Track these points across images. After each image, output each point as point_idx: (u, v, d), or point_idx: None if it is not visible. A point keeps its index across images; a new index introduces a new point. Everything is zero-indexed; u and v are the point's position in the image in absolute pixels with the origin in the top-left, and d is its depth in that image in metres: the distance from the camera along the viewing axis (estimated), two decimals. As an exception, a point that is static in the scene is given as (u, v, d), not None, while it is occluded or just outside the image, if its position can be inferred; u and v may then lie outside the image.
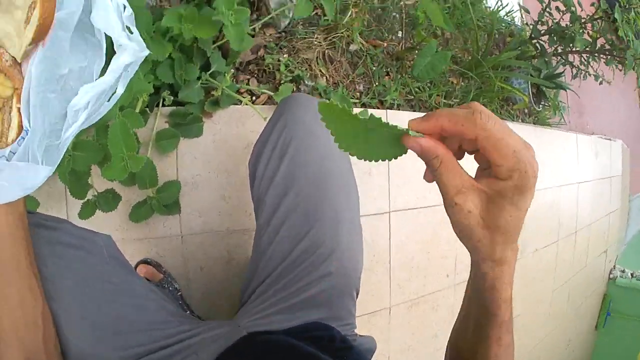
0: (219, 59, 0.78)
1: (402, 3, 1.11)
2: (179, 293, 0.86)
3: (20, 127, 0.36)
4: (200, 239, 0.86)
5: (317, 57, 0.94)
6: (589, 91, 2.12)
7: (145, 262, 0.85)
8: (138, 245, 0.84)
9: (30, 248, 0.39)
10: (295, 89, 0.90)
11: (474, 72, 1.19)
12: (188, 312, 0.87)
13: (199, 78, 0.76)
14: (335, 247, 0.52)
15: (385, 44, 1.05)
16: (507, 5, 1.45)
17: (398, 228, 1.03)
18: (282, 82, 0.89)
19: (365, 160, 0.29)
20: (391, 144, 0.28)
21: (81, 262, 0.45)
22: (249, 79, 0.90)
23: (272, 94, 0.84)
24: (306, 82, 0.91)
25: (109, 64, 0.38)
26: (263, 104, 0.88)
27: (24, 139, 0.36)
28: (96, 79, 0.38)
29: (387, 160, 0.29)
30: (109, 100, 0.40)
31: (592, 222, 2.13)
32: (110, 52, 0.39)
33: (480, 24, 1.31)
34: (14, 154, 0.36)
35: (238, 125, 0.87)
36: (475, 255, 0.30)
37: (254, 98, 0.89)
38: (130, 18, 0.39)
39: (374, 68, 1.00)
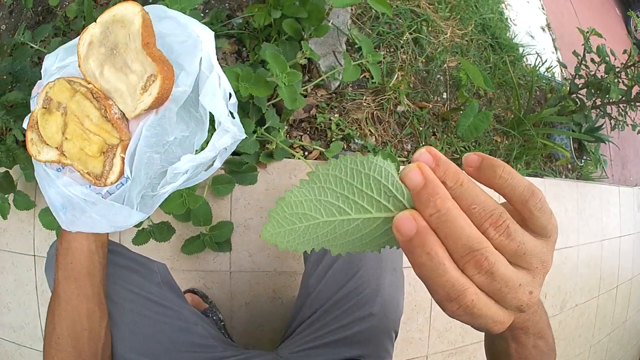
0: (273, 115, 0.86)
1: (445, 65, 1.19)
2: (222, 323, 0.94)
3: (121, 174, 0.40)
4: (248, 277, 0.94)
5: (366, 117, 1.02)
6: (631, 141, 2.07)
7: (192, 291, 0.94)
8: (187, 276, 0.94)
9: (105, 271, 0.46)
10: (345, 147, 0.99)
11: (516, 130, 1.22)
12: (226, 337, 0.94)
13: (254, 132, 0.84)
14: (378, 290, 0.57)
15: (431, 105, 1.12)
16: (546, 61, 1.48)
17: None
18: (333, 139, 0.98)
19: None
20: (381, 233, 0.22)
21: (136, 284, 0.52)
22: (301, 135, 0.99)
23: (323, 150, 0.93)
24: (356, 141, 1.00)
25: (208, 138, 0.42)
26: (315, 159, 0.98)
27: (122, 184, 0.41)
28: (196, 149, 0.43)
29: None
30: (206, 170, 0.44)
31: (634, 276, 2.02)
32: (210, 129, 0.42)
33: (520, 82, 1.35)
34: (110, 194, 0.41)
35: (290, 176, 0.96)
36: None
37: (306, 153, 0.98)
38: (234, 105, 0.43)
39: (420, 128, 1.07)
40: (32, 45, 0.80)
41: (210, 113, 0.41)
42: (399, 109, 1.07)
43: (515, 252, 0.20)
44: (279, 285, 0.95)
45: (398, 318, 0.61)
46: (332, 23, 1.04)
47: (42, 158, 0.41)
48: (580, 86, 1.33)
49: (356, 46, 1.07)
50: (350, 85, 1.04)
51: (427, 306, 1.07)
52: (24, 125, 0.44)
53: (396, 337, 0.61)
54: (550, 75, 1.47)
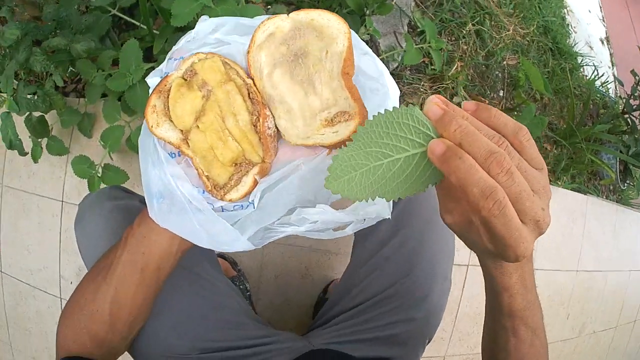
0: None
1: (504, 62, 1.14)
2: (248, 293, 0.91)
3: (246, 196, 0.33)
4: (282, 250, 0.91)
5: (421, 103, 0.98)
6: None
7: (222, 256, 0.91)
8: None
9: (172, 270, 0.40)
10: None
11: (567, 141, 1.18)
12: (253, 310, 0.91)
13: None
14: (427, 296, 0.54)
15: (487, 101, 1.08)
16: (602, 75, 1.43)
17: (473, 282, 1.03)
18: (385, 120, 0.94)
19: (399, 198, 0.26)
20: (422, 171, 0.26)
21: None
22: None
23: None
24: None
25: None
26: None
27: (242, 207, 0.34)
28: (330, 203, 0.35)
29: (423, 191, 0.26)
30: (334, 230, 0.37)
31: (655, 315, 1.95)
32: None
33: (575, 92, 1.30)
34: (223, 210, 0.34)
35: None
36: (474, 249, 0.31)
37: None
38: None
39: (473, 122, 1.03)
40: (78, -8, 0.78)
41: None
42: (455, 99, 1.03)
43: (520, 169, 0.24)
44: (312, 263, 0.92)
45: (437, 326, 0.58)
46: (395, 3, 1.00)
47: (159, 133, 0.33)
48: (634, 107, 1.28)
49: (418, 30, 1.03)
50: (409, 68, 1.00)
51: (454, 307, 1.03)
52: (148, 80, 0.35)
53: (429, 342, 0.60)
54: (604, 90, 1.41)
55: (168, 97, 0.34)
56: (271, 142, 0.33)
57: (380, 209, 0.36)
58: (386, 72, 0.35)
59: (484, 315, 0.39)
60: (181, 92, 0.33)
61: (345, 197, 0.26)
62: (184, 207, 0.33)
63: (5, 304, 1.13)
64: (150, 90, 0.35)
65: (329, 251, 0.92)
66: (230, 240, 0.34)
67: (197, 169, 0.34)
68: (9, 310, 1.13)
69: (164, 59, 0.36)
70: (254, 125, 0.33)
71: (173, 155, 0.35)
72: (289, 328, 0.93)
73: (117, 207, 0.49)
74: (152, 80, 0.36)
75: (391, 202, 0.35)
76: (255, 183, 0.33)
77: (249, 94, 0.33)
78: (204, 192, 0.34)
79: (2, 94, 0.74)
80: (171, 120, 0.33)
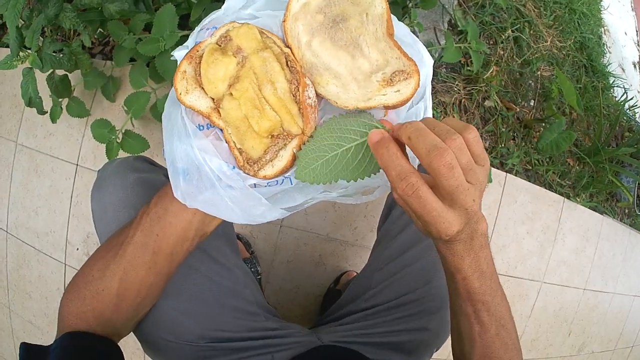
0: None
1: (539, 73, 1.13)
2: (259, 277, 0.89)
3: (283, 172, 0.31)
4: (298, 235, 0.89)
5: (453, 102, 0.97)
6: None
7: (237, 236, 0.89)
8: None
9: (187, 254, 0.39)
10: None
11: (591, 158, 1.16)
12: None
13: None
14: (440, 307, 0.54)
15: (518, 109, 1.06)
16: (631, 99, 1.41)
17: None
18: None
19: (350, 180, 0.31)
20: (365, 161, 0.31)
21: None
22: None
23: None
24: (440, 124, 0.94)
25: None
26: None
27: (277, 182, 0.32)
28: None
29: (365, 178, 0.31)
30: (363, 194, 0.37)
31: (650, 344, 1.96)
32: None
33: (604, 111, 1.29)
34: (254, 187, 0.32)
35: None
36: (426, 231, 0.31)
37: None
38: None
39: (503, 129, 1.02)
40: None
41: None
42: (487, 103, 1.01)
43: (466, 165, 0.27)
44: (327, 251, 0.90)
45: (446, 339, 0.57)
46: (439, -1, 0.99)
47: (188, 101, 0.31)
48: (658, 133, 1.27)
49: (458, 29, 1.01)
50: (445, 66, 0.98)
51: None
52: (174, 54, 0.33)
53: (436, 351, 0.59)
54: (632, 114, 1.40)
55: (200, 63, 0.31)
56: (311, 112, 0.31)
57: (383, 188, 0.37)
58: (418, 41, 0.35)
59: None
60: (215, 56, 0.31)
61: (313, 183, 0.31)
62: (213, 184, 0.31)
63: (8, 266, 1.11)
64: (179, 62, 0.32)
65: (346, 242, 0.90)
66: (264, 212, 0.33)
67: (228, 142, 0.31)
68: (11, 272, 1.10)
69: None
70: (293, 95, 0.31)
71: (201, 127, 0.32)
72: (295, 315, 0.91)
73: (140, 180, 0.45)
74: (180, 53, 0.33)
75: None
76: (294, 158, 0.31)
77: (287, 62, 0.31)
78: (234, 168, 0.31)
79: (26, 50, 0.71)
80: (202, 88, 0.31)
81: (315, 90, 0.32)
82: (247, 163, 0.31)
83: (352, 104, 0.31)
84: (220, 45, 0.31)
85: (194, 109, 0.31)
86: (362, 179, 0.31)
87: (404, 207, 0.30)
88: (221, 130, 0.32)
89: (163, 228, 0.35)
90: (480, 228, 0.31)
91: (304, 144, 0.31)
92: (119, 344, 0.39)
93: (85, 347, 0.35)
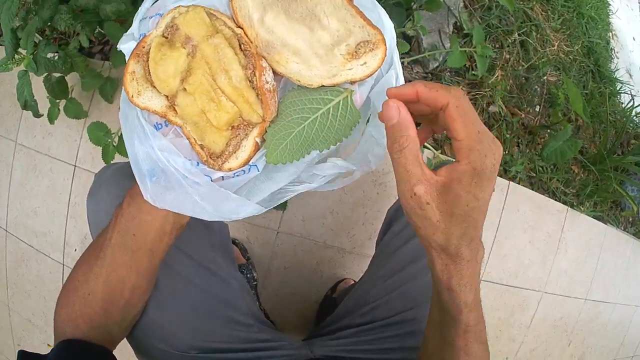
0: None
1: (545, 78, 1.10)
2: (255, 283, 0.89)
3: (247, 162, 0.30)
4: (295, 242, 0.88)
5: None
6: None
7: (233, 242, 0.89)
8: (232, 224, 0.88)
9: (168, 249, 0.38)
10: (430, 134, 0.92)
11: (596, 166, 1.14)
12: (257, 303, 0.89)
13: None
14: None
15: (523, 115, 1.04)
16: (638, 105, 1.38)
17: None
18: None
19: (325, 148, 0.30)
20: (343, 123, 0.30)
21: (190, 243, 0.45)
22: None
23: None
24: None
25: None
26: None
27: (244, 172, 0.31)
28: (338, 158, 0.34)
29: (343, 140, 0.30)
30: (343, 177, 0.36)
31: (651, 353, 1.94)
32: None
33: (610, 118, 1.26)
34: (223, 179, 0.31)
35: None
36: (430, 251, 0.29)
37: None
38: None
39: (507, 135, 1.00)
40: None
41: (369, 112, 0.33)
42: (491, 108, 0.99)
43: None
44: (324, 258, 0.89)
45: None
46: (444, 0, 0.96)
47: (141, 103, 0.29)
48: (667, 140, 1.24)
49: (463, 32, 0.99)
50: (449, 70, 0.96)
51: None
52: (120, 47, 0.31)
53: None
54: (638, 121, 1.37)
55: (148, 60, 0.29)
56: (271, 97, 0.29)
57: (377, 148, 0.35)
58: (377, 4, 0.33)
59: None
60: (162, 52, 0.29)
61: (286, 162, 0.29)
62: (180, 182, 0.30)
63: (7, 264, 1.11)
64: (127, 57, 0.30)
65: (344, 249, 0.89)
66: (236, 207, 0.31)
67: (188, 139, 0.30)
68: (10, 271, 1.11)
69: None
70: (249, 81, 0.29)
71: (160, 125, 0.30)
72: (290, 321, 0.91)
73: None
74: (127, 46, 0.31)
75: (383, 139, 0.35)
76: (257, 146, 0.30)
77: (240, 45, 0.29)
78: (198, 164, 0.30)
79: (21, 51, 0.71)
80: (154, 87, 0.30)
81: (276, 70, 0.30)
82: (211, 158, 0.30)
83: (316, 81, 0.29)
84: (167, 38, 0.30)
85: (149, 110, 0.30)
86: (335, 145, 0.30)
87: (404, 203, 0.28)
88: (179, 127, 0.30)
89: (139, 226, 0.34)
90: (480, 254, 0.30)
91: (268, 126, 0.30)
92: (114, 351, 0.39)
93: (78, 355, 0.35)
